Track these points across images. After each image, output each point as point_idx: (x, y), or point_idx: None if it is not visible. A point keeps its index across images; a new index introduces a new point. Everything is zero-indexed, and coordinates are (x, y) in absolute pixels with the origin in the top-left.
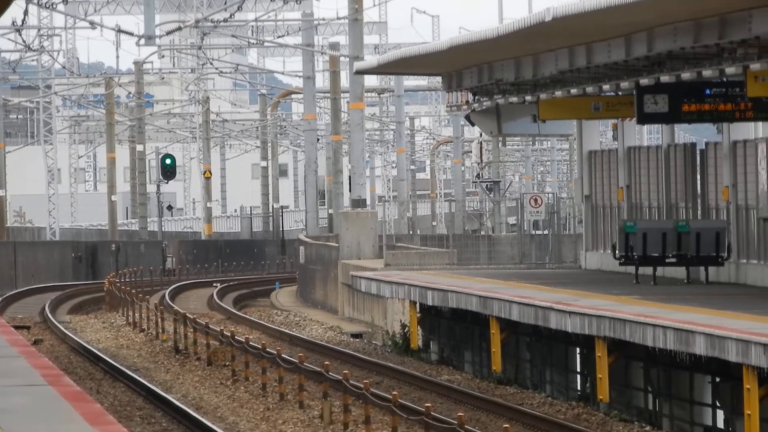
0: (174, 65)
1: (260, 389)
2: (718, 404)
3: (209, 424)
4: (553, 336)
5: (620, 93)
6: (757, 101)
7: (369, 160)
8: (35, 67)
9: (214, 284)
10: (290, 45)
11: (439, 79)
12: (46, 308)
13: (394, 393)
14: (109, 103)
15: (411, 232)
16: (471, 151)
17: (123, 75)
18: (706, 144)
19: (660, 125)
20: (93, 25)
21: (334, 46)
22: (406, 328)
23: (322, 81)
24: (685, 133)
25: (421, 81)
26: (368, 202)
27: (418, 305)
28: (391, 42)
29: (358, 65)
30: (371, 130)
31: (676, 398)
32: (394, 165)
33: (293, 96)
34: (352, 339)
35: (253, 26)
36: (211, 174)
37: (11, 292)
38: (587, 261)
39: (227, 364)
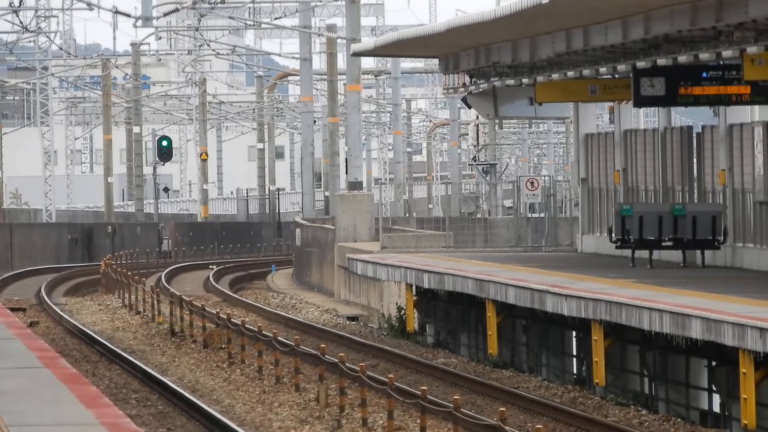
0: (171, 47)
1: (256, 372)
2: (714, 388)
3: (205, 407)
4: (549, 319)
5: (617, 76)
6: (754, 84)
7: (365, 143)
8: (32, 49)
9: (210, 266)
10: (287, 27)
11: (436, 61)
12: (42, 290)
13: (390, 376)
14: (105, 85)
15: (407, 215)
16: (467, 134)
17: (120, 56)
18: (703, 127)
19: (656, 108)
20: (90, 6)
21: (331, 28)
22: (402, 311)
23: (319, 63)
24: (681, 116)
25: (417, 63)
26: (365, 184)
27: (414, 288)
28: (388, 24)
29: (355, 47)
30: (368, 112)
31: (672, 382)
32: (390, 147)
33: (290, 78)
34: (348, 322)
35: (250, 8)
36: (207, 156)
37: (7, 274)
38: (583, 244)
39: (223, 346)
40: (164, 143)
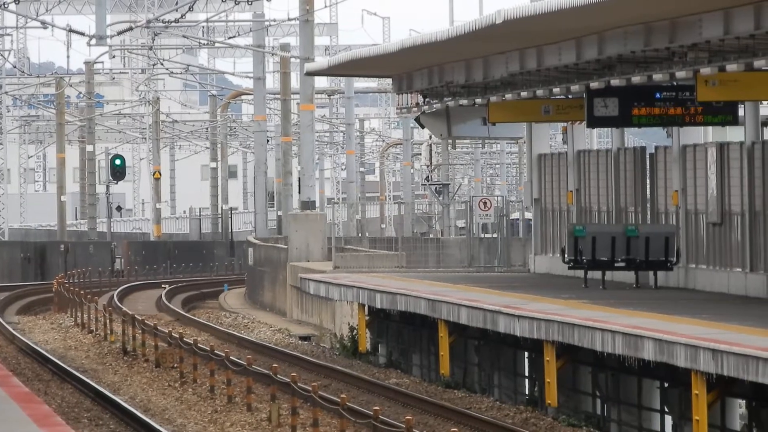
0: (124, 65)
1: (208, 391)
2: (666, 409)
3: (157, 426)
4: (501, 340)
5: (570, 96)
6: (707, 105)
7: (318, 162)
8: None
9: (163, 285)
10: (241, 46)
11: (389, 81)
12: None
13: (342, 396)
14: (59, 103)
15: (360, 235)
16: (420, 154)
17: (73, 75)
18: (656, 148)
19: (610, 129)
20: (44, 24)
21: (285, 47)
22: (355, 331)
23: (272, 82)
24: (634, 137)
25: (371, 83)
26: (317, 204)
27: (366, 308)
28: (342, 43)
29: (308, 66)
30: (321, 131)
31: (625, 403)
32: (343, 167)
33: (243, 97)
34: (300, 341)
35: (204, 27)
36: (160, 175)
37: None
38: (536, 264)
39: (175, 366)
40: (117, 162)
